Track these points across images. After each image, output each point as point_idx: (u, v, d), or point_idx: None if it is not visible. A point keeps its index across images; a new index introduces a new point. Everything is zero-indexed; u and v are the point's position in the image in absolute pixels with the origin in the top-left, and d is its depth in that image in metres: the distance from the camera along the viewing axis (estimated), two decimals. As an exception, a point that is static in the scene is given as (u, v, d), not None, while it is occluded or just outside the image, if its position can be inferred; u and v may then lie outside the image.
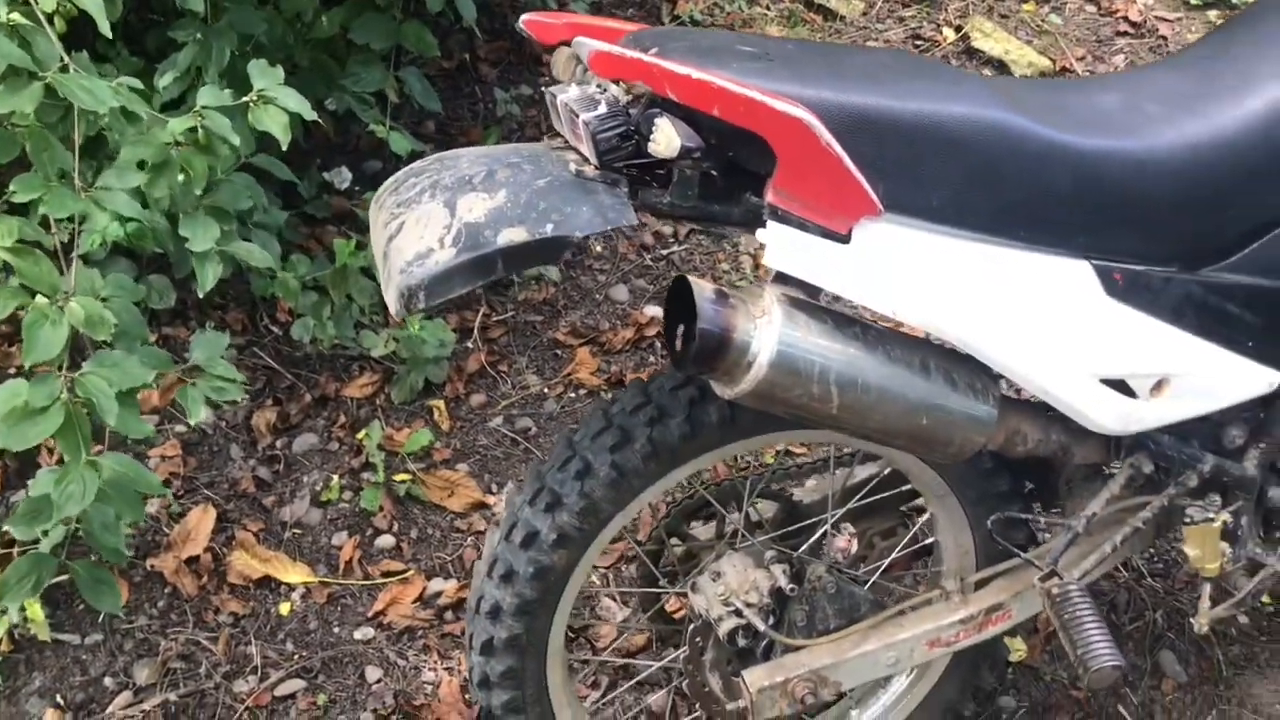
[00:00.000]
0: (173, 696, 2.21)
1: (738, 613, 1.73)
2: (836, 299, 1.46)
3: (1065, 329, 1.50)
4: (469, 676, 1.83)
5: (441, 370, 2.83)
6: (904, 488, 1.97)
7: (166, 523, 2.50)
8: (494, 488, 2.65)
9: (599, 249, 3.23)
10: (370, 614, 2.39)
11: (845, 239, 1.40)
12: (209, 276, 2.03)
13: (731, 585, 1.75)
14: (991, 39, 3.81)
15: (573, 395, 2.87)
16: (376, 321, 2.91)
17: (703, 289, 1.41)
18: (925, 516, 1.95)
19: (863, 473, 2.04)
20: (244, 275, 2.87)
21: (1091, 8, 4.08)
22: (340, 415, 2.76)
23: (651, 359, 2.97)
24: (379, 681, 2.28)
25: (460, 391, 2.84)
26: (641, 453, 1.66)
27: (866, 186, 1.35)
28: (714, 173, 1.40)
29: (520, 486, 1.77)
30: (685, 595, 1.92)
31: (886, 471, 1.93)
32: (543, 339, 3.01)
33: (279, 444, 2.69)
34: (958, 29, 3.91)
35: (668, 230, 3.29)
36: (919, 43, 3.90)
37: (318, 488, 2.61)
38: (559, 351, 2.98)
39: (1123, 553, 1.84)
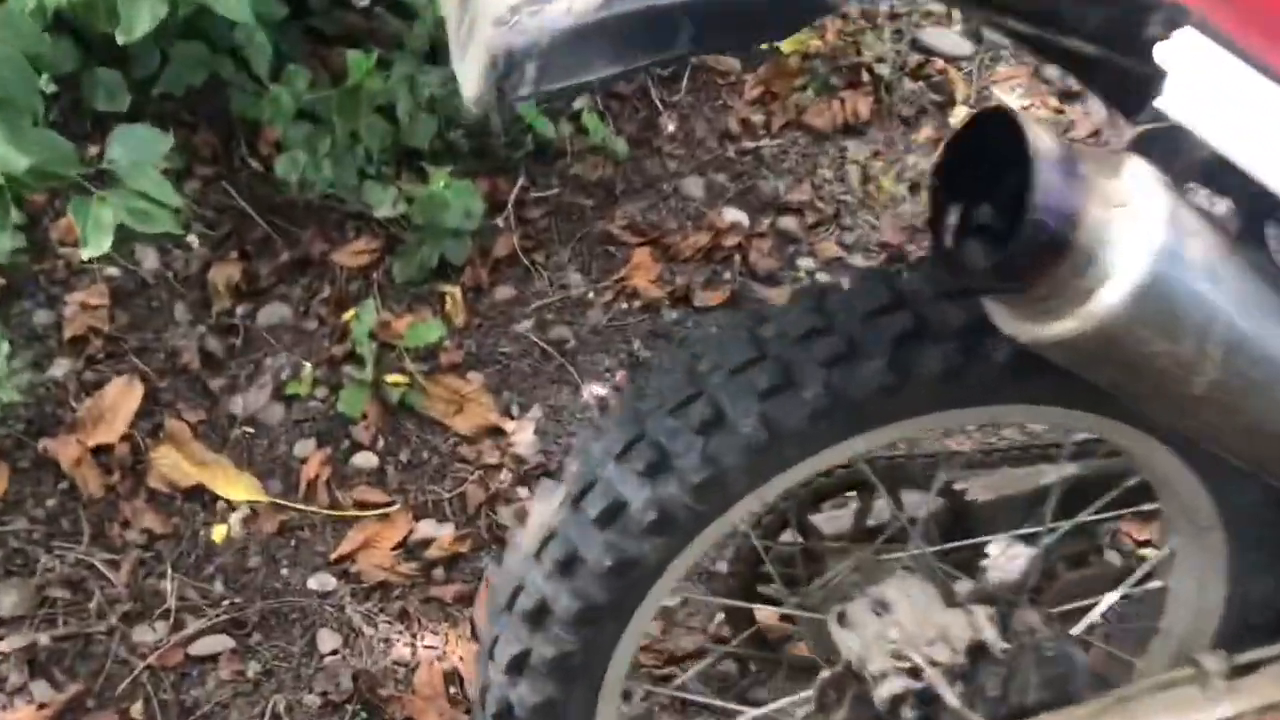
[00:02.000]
0: (45, 639, 1.58)
1: (914, 672, 1.12)
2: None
3: None
4: (477, 699, 1.22)
5: (462, 248, 2.18)
6: (1143, 506, 1.36)
7: (76, 392, 1.86)
8: (514, 409, 2.02)
9: (672, 128, 2.57)
10: (334, 557, 1.77)
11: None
12: (141, 18, 1.37)
13: (908, 628, 1.13)
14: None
15: (624, 307, 2.23)
16: (386, 174, 2.24)
17: (1040, 135, 0.77)
18: (1163, 552, 1.34)
19: (1069, 471, 1.43)
20: (222, 87, 2.19)
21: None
22: (324, 286, 2.11)
23: (726, 275, 2.33)
24: (334, 654, 1.67)
25: (483, 280, 2.20)
26: (814, 405, 1.04)
27: None
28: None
29: (599, 428, 1.15)
30: (793, 617, 1.31)
31: (1127, 479, 1.31)
32: (593, 229, 2.36)
33: (240, 311, 2.05)
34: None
35: (758, 119, 2.64)
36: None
37: (283, 376, 1.97)
38: (611, 248, 2.34)
39: None
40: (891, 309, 1.07)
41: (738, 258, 2.36)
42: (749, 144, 2.62)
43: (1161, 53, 0.77)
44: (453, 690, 1.64)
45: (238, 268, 2.09)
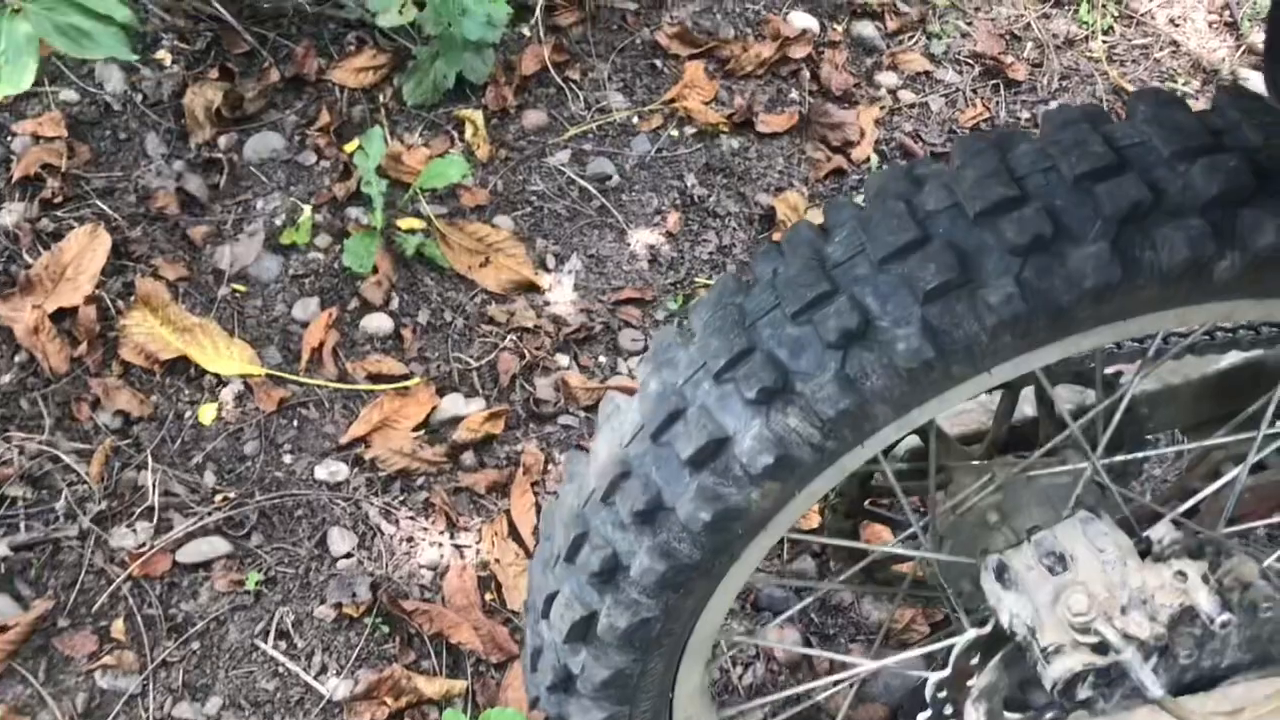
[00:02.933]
0: (3, 548, 1.33)
1: (1101, 647, 0.85)
2: None
3: None
4: (528, 664, 0.97)
5: (484, 64, 1.84)
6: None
7: (30, 245, 1.56)
8: (549, 260, 1.72)
9: (729, -84, 2.16)
10: (345, 440, 1.50)
11: None
12: None
13: (1096, 593, 0.86)
14: None
15: (675, 134, 1.90)
16: (391, -28, 1.87)
17: None
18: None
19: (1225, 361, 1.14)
20: None
21: None
22: (322, 111, 1.78)
23: (794, 95, 1.98)
24: (349, 556, 1.42)
25: (509, 102, 1.85)
26: (1000, 312, 0.73)
27: None
28: None
29: (685, 324, 0.86)
30: (925, 562, 1.05)
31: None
32: (636, 40, 2.00)
33: (223, 143, 1.73)
34: None
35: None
36: None
37: (277, 222, 1.67)
38: (658, 63, 1.99)
39: None
40: (1112, 172, 0.75)
41: (807, 72, 2.01)
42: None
43: None
44: (489, 598, 1.40)
45: (219, 90, 1.75)
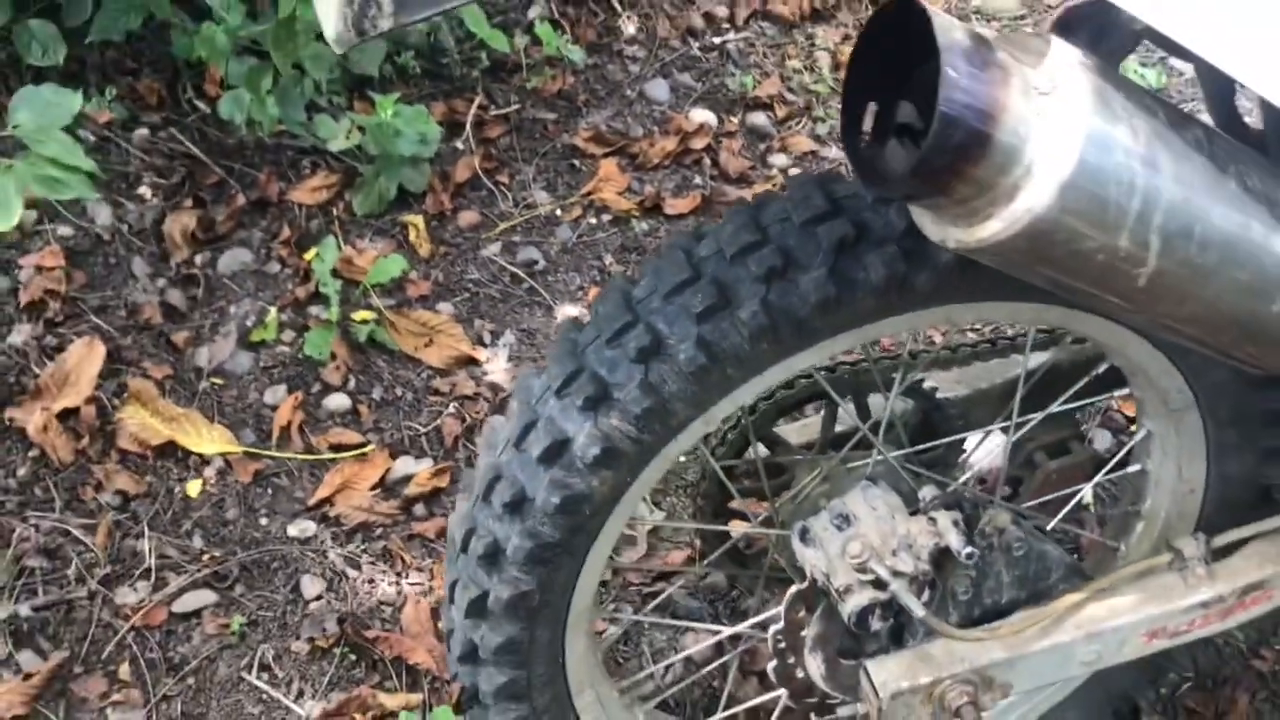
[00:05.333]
0: (25, 610, 1.58)
1: (878, 583, 1.10)
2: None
3: None
4: (448, 645, 1.21)
5: (421, 175, 2.13)
6: (1115, 394, 1.32)
7: (37, 358, 1.83)
8: (486, 337, 1.98)
9: (632, 30, 2.48)
10: (312, 502, 1.75)
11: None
12: None
13: (871, 540, 1.10)
14: None
15: (593, 221, 2.18)
16: (337, 104, 2.18)
17: (950, 29, 0.72)
18: (1139, 436, 1.30)
19: (1036, 360, 1.39)
20: (163, 31, 2.12)
21: None
22: (283, 227, 2.06)
23: (697, 180, 2.27)
24: (319, 599, 1.66)
25: (445, 206, 2.14)
26: (750, 325, 0.99)
27: None
28: None
29: (544, 361, 1.11)
30: (771, 533, 1.29)
31: (1100, 365, 1.27)
32: (556, 144, 2.29)
33: (199, 260, 2.01)
34: None
35: (721, 11, 2.54)
36: None
37: (248, 323, 1.94)
38: (576, 162, 2.28)
39: None
40: (827, 216, 1.01)
41: (708, 160, 2.30)
42: (714, 39, 2.53)
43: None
44: (440, 624, 1.64)
45: (193, 216, 2.04)
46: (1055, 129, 0.74)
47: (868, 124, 0.80)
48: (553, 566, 1.10)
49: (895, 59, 0.80)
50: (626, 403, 1.03)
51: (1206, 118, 0.95)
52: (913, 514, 1.13)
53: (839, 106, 2.44)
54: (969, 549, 1.08)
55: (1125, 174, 0.76)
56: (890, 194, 0.85)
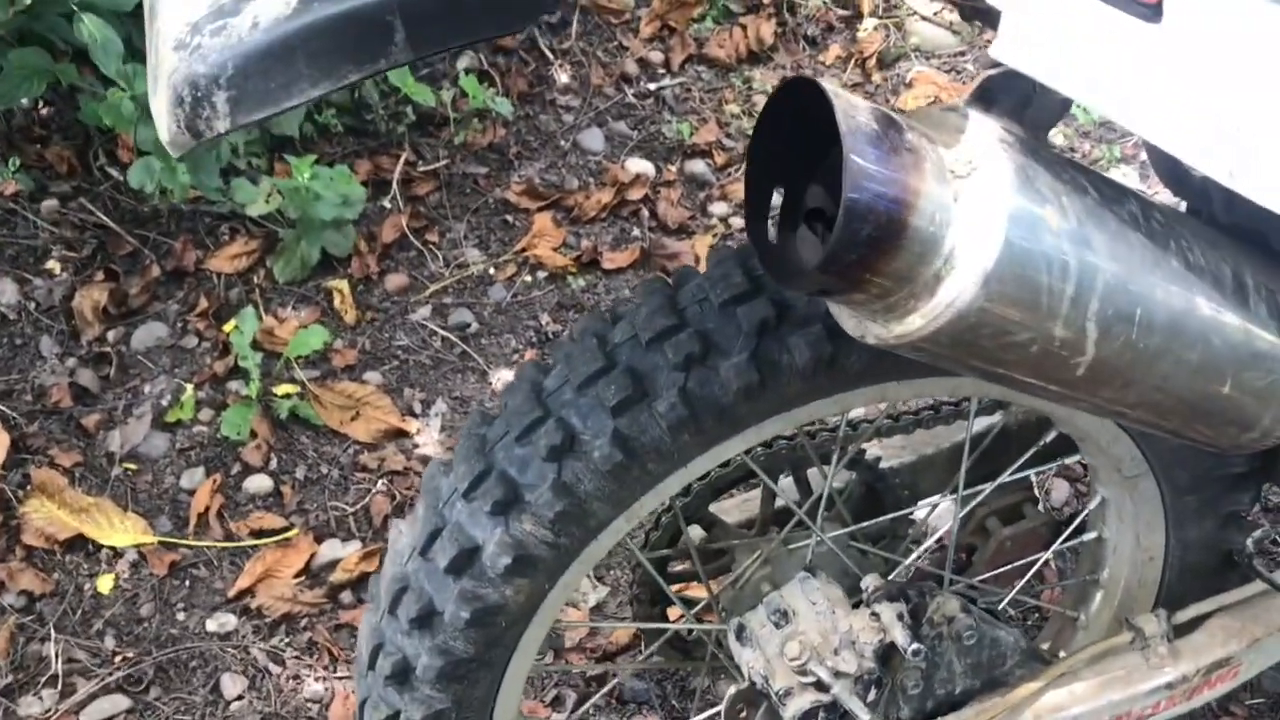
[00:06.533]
0: (-82, 728, 1.47)
1: (819, 685, 1.01)
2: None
3: None
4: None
5: (345, 238, 2.04)
6: (1067, 459, 1.25)
7: (-63, 450, 1.72)
8: (417, 408, 1.90)
9: (565, 79, 2.41)
10: (232, 594, 1.65)
11: (1154, 12, 0.65)
12: None
13: (811, 639, 1.02)
14: None
15: (529, 279, 2.10)
16: (256, 167, 2.09)
17: (853, 110, 0.65)
18: (1093, 503, 1.24)
19: (980, 425, 1.32)
20: (72, 96, 2.03)
21: None
22: (200, 298, 1.97)
23: (635, 232, 2.20)
24: (240, 699, 1.55)
25: (371, 270, 2.05)
26: (669, 418, 0.92)
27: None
28: None
29: (449, 459, 1.03)
30: (711, 628, 1.21)
31: (1049, 435, 1.20)
32: (488, 200, 2.21)
33: (111, 337, 1.91)
34: None
35: (656, 57, 2.48)
36: None
37: (164, 402, 1.84)
38: (510, 217, 2.20)
39: None
40: (750, 295, 0.94)
41: (646, 211, 2.23)
42: (649, 86, 2.47)
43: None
44: (372, 722, 1.54)
45: (105, 290, 1.94)
46: (976, 214, 0.67)
47: (775, 210, 0.73)
48: (469, 683, 1.02)
49: (801, 138, 0.73)
50: (539, 505, 0.95)
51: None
52: (856, 605, 1.06)
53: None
54: (915, 646, 1.00)
55: (1056, 257, 0.69)
56: (801, 289, 0.78)
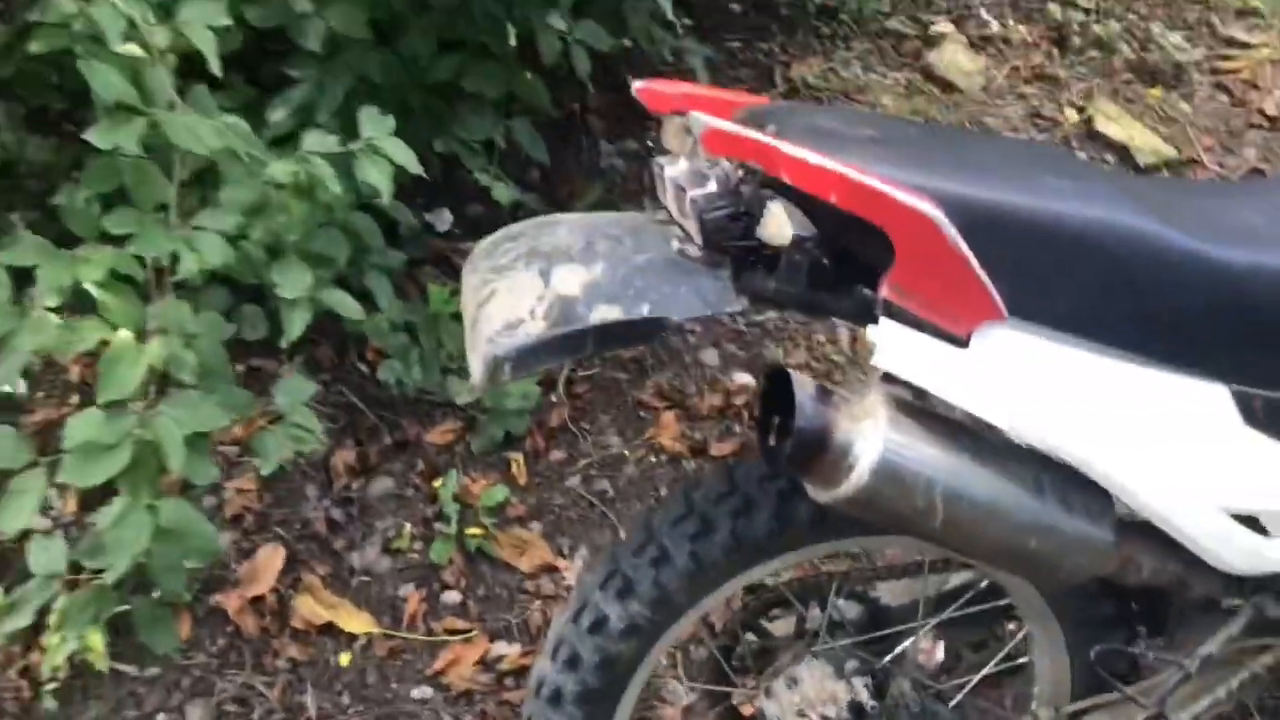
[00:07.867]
0: (229, 747, 2.16)
1: (812, 723, 1.62)
2: (948, 406, 1.36)
3: (1196, 457, 1.38)
4: (524, 761, 1.75)
5: (523, 422, 2.77)
6: (1000, 602, 1.84)
7: (236, 558, 2.47)
8: (565, 550, 2.57)
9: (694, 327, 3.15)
10: (430, 672, 2.32)
11: (963, 343, 1.30)
12: (296, 325, 2.01)
13: (808, 694, 1.64)
14: (1116, 124, 3.67)
15: (654, 460, 2.78)
16: (463, 368, 2.86)
17: (803, 384, 1.32)
18: (1022, 633, 1.82)
19: (956, 579, 1.92)
20: (334, 314, 2.85)
21: (1223, 97, 3.91)
22: (419, 461, 2.71)
23: (738, 428, 2.88)
24: (433, 746, 2.21)
25: (540, 446, 2.77)
26: (723, 545, 1.57)
27: (991, 289, 1.25)
28: (825, 261, 1.31)
29: (592, 565, 1.70)
30: (756, 696, 1.82)
31: (984, 583, 1.80)
32: (627, 398, 2.93)
33: (355, 486, 2.65)
34: (1080, 110, 3.78)
35: (765, 296, 3.20)
36: (1040, 121, 3.77)
37: (389, 535, 2.56)
38: (643, 413, 2.91)
39: (1238, 696, 1.69)
40: (775, 476, 1.60)
41: (746, 413, 2.91)
42: (757, 317, 3.19)
43: (870, 333, 1.31)
44: (522, 771, 2.16)
45: (353, 452, 2.70)
46: (868, 439, 1.32)
47: (772, 426, 1.39)
48: (595, 705, 1.65)
49: (786, 391, 1.40)
50: (643, 595, 1.60)
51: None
52: (840, 679, 1.67)
53: (858, 372, 3.06)
54: (872, 702, 1.60)
55: (914, 466, 1.33)
56: (783, 472, 1.43)
